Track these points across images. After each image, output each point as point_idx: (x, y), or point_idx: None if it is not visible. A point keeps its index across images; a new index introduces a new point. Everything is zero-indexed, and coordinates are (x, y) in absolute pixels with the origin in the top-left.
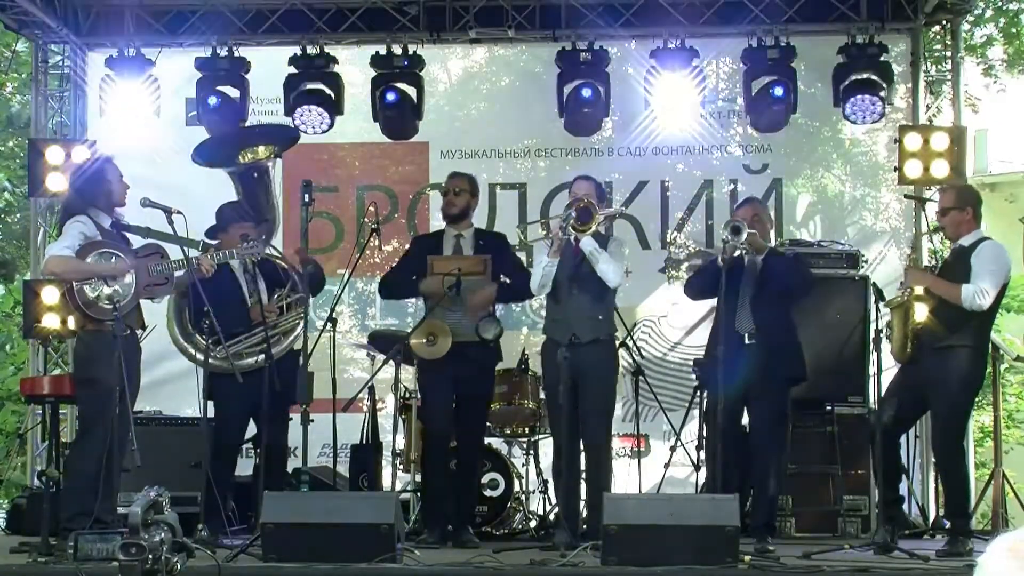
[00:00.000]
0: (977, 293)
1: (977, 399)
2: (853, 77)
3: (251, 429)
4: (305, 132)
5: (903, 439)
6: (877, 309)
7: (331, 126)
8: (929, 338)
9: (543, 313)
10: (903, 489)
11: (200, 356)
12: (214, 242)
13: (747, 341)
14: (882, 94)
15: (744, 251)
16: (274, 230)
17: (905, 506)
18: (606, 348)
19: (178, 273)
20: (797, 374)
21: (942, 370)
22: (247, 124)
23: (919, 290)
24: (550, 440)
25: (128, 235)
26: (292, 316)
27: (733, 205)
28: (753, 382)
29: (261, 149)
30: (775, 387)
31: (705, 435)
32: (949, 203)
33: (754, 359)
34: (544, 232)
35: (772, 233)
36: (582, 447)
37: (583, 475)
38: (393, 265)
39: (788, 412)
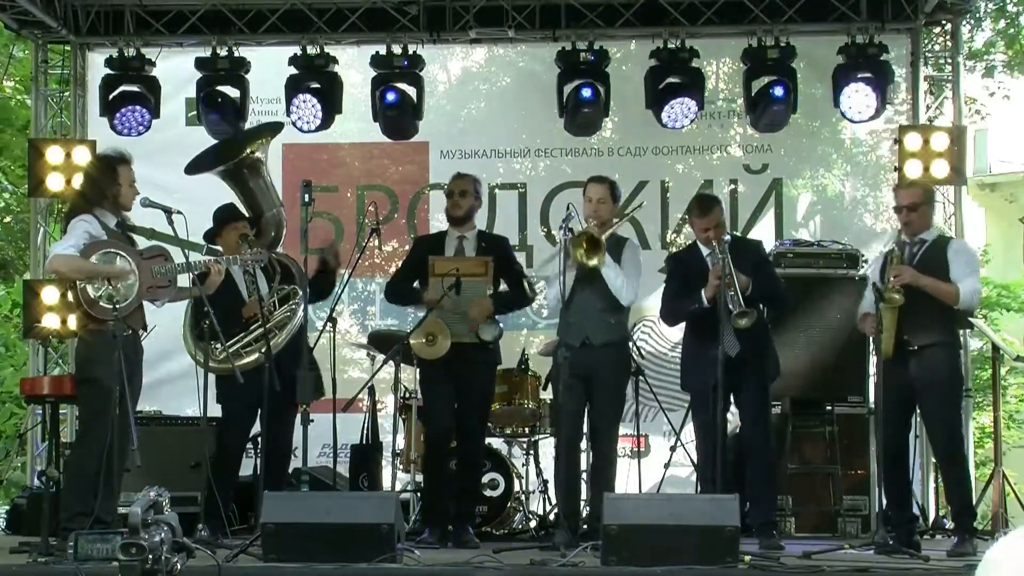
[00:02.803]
0: (975, 293)
1: (977, 399)
2: (853, 76)
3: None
4: (301, 129)
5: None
6: (877, 309)
7: (323, 123)
8: (910, 336)
9: (544, 313)
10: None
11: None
12: (218, 248)
13: (732, 356)
14: (879, 90)
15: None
16: (283, 221)
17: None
18: (619, 351)
19: (183, 279)
20: (773, 373)
21: (930, 371)
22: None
23: (898, 285)
24: (550, 440)
25: (133, 236)
26: (285, 309)
27: (734, 205)
28: (739, 387)
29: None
30: (759, 389)
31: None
32: (918, 199)
33: (738, 366)
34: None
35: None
36: (584, 447)
37: (583, 475)
38: (397, 269)
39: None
